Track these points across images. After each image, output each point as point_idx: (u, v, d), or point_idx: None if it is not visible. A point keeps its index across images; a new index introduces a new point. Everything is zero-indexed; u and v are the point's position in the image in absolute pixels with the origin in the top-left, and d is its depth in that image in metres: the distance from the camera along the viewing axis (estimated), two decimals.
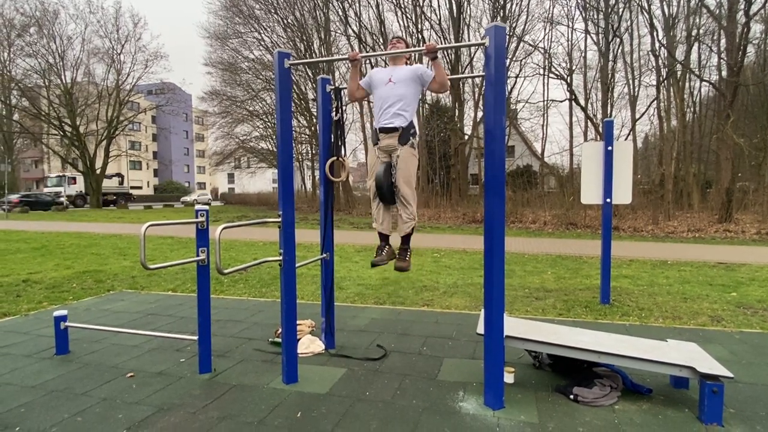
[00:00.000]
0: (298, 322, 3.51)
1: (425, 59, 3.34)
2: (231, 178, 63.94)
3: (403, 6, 24.60)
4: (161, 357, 3.61)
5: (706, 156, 23.77)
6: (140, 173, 61.00)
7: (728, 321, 4.70)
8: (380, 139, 3.26)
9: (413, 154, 3.24)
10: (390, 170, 3.24)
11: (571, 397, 2.84)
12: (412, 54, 3.41)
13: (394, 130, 3.20)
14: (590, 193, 5.40)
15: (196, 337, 3.28)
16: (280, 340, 3.58)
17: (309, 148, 31.05)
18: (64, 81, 33.63)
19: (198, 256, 3.16)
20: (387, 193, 3.25)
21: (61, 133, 34.28)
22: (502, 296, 2.74)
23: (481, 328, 3.02)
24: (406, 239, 3.40)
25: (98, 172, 35.08)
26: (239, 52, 29.89)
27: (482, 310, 2.99)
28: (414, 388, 3.04)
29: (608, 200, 5.26)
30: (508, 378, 3.04)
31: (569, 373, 3.15)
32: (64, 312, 3.71)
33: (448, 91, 25.91)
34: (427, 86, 3.21)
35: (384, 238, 3.45)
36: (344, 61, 3.57)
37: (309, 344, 3.76)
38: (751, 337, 4.11)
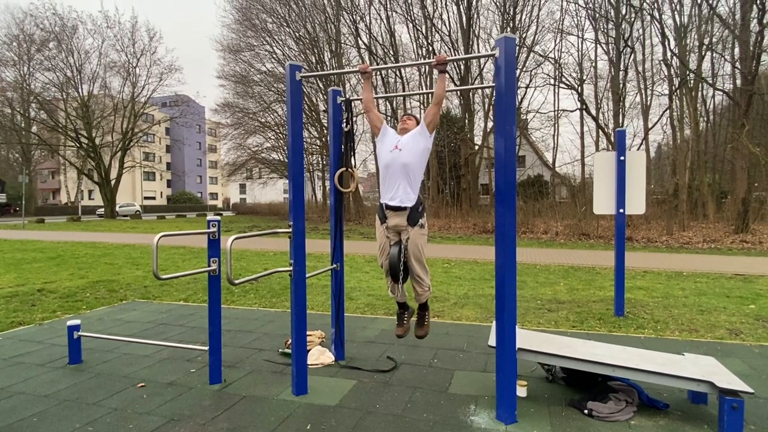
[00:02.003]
0: (308, 332, 3.50)
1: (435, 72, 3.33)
2: (243, 188, 64.50)
3: (413, 18, 24.84)
4: (172, 367, 3.62)
5: (721, 165, 23.41)
6: (154, 184, 61.88)
7: (747, 334, 4.58)
8: (388, 217, 3.19)
9: (422, 233, 3.18)
10: (401, 254, 3.15)
11: (586, 411, 2.78)
12: (421, 67, 3.40)
13: (401, 209, 3.13)
14: (603, 203, 5.34)
15: (206, 348, 3.28)
16: (290, 350, 3.57)
17: (320, 159, 31.24)
18: (81, 94, 34.42)
19: (209, 266, 3.18)
20: (401, 275, 3.19)
21: (78, 144, 35.01)
22: (514, 308, 2.71)
23: (492, 341, 2.98)
24: (423, 306, 3.42)
25: (113, 182, 35.68)
26: (252, 64, 30.34)
27: (494, 321, 2.96)
28: (425, 401, 3.00)
29: (621, 210, 5.19)
30: (521, 392, 2.99)
31: (583, 387, 3.09)
32: (77, 322, 3.75)
33: (454, 104, 26.04)
34: (427, 121, 3.11)
35: (401, 305, 3.46)
36: (355, 73, 3.59)
37: (319, 355, 3.74)
38: None
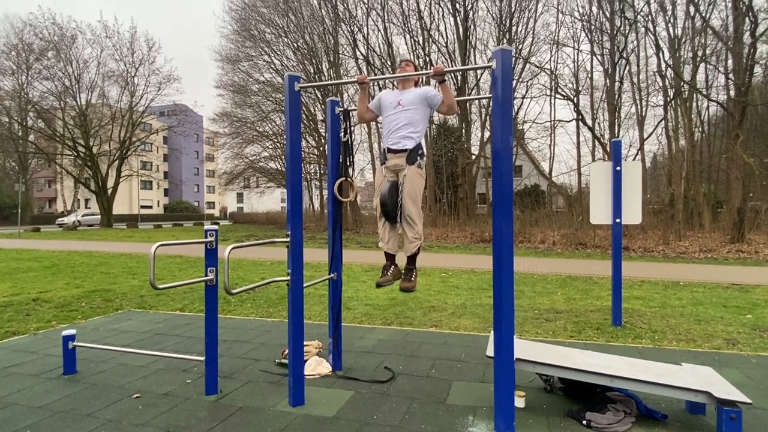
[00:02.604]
0: (305, 342, 3.48)
1: (432, 82, 3.38)
2: (240, 197, 64.45)
3: (410, 29, 25.09)
4: (168, 378, 3.59)
5: (716, 175, 23.59)
6: (151, 193, 61.75)
7: (744, 344, 4.59)
8: (388, 159, 3.30)
9: (420, 173, 3.25)
10: (396, 188, 3.24)
11: (584, 422, 2.77)
12: (420, 77, 3.45)
13: (402, 150, 3.24)
14: (599, 213, 5.37)
15: (202, 358, 3.26)
16: (287, 361, 3.55)
17: (317, 168, 31.31)
18: (79, 103, 34.45)
19: (207, 275, 3.17)
20: (392, 210, 3.24)
21: (75, 153, 34.96)
22: (512, 318, 2.71)
23: (490, 351, 2.98)
24: (411, 259, 3.37)
25: (110, 191, 35.59)
26: (250, 74, 30.51)
27: (491, 331, 2.95)
28: (422, 413, 2.98)
29: (618, 220, 5.22)
30: (519, 402, 2.97)
31: (582, 397, 3.08)
32: (72, 331, 3.72)
33: (457, 113, 26.19)
34: (436, 108, 3.26)
35: (390, 257, 3.43)
36: (353, 84, 3.64)
37: (316, 366, 3.72)
38: None
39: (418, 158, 3.24)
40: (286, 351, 3.85)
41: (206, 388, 3.26)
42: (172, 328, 5.15)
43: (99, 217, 37.27)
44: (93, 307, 6.33)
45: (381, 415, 2.95)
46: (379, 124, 25.28)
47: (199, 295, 6.83)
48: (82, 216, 38.81)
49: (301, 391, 3.12)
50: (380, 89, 26.49)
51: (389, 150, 3.29)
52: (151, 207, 61.73)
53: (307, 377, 3.40)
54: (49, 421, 2.85)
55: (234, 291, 2.83)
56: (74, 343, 3.69)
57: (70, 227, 33.02)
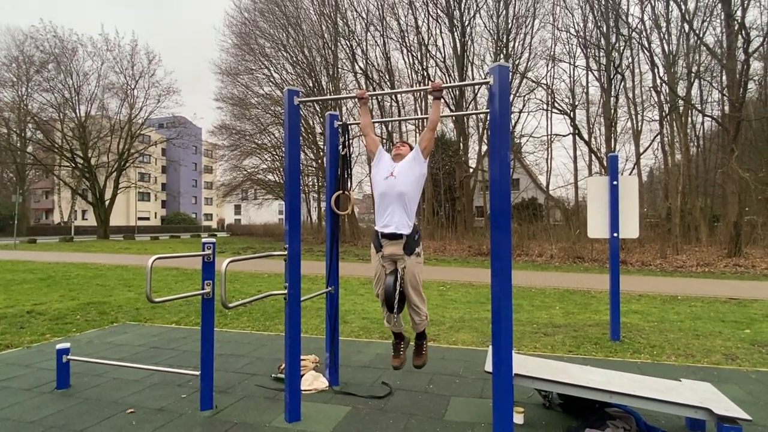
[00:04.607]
0: (302, 357, 3.45)
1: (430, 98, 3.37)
2: (238, 209, 64.31)
3: (408, 45, 25.39)
4: (162, 392, 3.55)
5: (713, 189, 23.73)
6: (148, 204, 61.65)
7: (743, 359, 4.57)
8: (383, 246, 3.13)
9: (419, 262, 3.13)
10: (397, 283, 3.09)
11: None
12: (416, 93, 3.45)
13: (397, 236, 3.06)
14: (597, 227, 5.38)
15: (198, 373, 3.22)
16: (283, 375, 3.51)
17: (315, 180, 31.38)
18: (78, 114, 34.57)
19: (203, 288, 3.15)
20: (398, 305, 3.14)
21: (73, 165, 34.97)
22: (511, 333, 2.69)
23: (489, 366, 2.95)
24: (420, 335, 3.38)
25: (107, 203, 35.53)
26: (249, 87, 30.74)
27: (490, 346, 2.93)
28: (420, 429, 2.95)
29: (615, 234, 5.23)
30: (518, 419, 2.95)
31: (581, 413, 3.05)
32: (66, 345, 3.68)
33: (448, 128, 26.38)
34: (422, 147, 3.10)
35: (398, 335, 3.43)
36: (353, 99, 3.62)
37: (313, 381, 3.68)
38: (767, 377, 3.98)
39: (416, 246, 3.10)
40: (283, 365, 3.81)
41: (201, 403, 3.21)
42: (167, 342, 5.10)
43: None
44: (88, 320, 6.28)
45: (378, 431, 2.91)
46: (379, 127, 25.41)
47: (196, 308, 6.78)
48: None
49: (298, 406, 3.08)
50: (378, 104, 26.69)
51: (383, 235, 3.11)
52: (148, 219, 61.57)
53: (303, 392, 3.36)
54: None
55: (231, 305, 2.81)
56: (68, 357, 3.65)
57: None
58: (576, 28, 23.37)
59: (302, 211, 30.71)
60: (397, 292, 3.09)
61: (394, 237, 3.07)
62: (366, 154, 27.20)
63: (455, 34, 24.20)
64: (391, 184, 3.08)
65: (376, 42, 26.49)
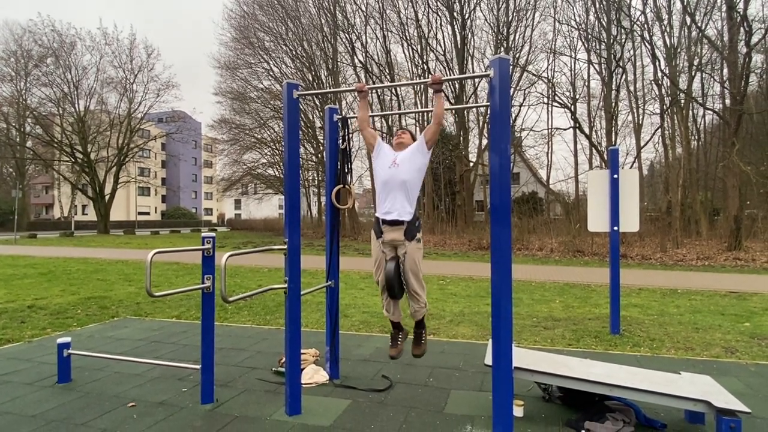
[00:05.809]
0: (302, 351, 3.46)
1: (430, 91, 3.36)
2: (238, 204, 64.34)
3: (408, 38, 25.26)
4: (163, 386, 3.56)
5: (713, 183, 23.70)
6: (148, 199, 61.64)
7: (742, 352, 4.58)
8: (384, 232, 3.14)
9: (419, 248, 3.15)
10: (398, 269, 3.11)
11: None
12: (416, 86, 3.44)
13: (398, 223, 3.08)
14: (597, 220, 5.38)
15: (198, 366, 3.23)
16: (283, 369, 3.52)
17: (315, 175, 31.34)
18: (77, 109, 34.50)
19: (203, 283, 3.15)
20: (398, 291, 3.15)
21: (73, 159, 34.94)
22: (510, 327, 2.69)
23: (489, 359, 2.96)
24: (419, 323, 3.38)
25: (107, 198, 35.52)
26: (249, 81, 30.63)
27: (490, 340, 2.94)
28: (420, 422, 2.96)
29: (615, 228, 5.22)
30: (518, 411, 2.95)
31: (580, 406, 3.06)
32: (67, 339, 3.69)
33: (449, 122, 26.27)
34: (426, 138, 3.13)
35: (396, 325, 3.43)
36: (352, 92, 3.59)
37: (313, 374, 3.69)
38: (766, 370, 3.99)
39: (417, 232, 3.12)
40: (283, 359, 3.82)
41: (202, 396, 3.22)
42: (168, 336, 5.11)
43: None
44: (89, 315, 6.29)
45: (378, 424, 2.92)
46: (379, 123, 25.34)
47: (196, 302, 6.79)
48: None
49: (298, 400, 3.09)
50: (378, 97, 26.53)
51: (384, 222, 3.12)
52: (148, 213, 61.57)
53: (304, 386, 3.37)
54: (42, 431, 2.82)
55: (231, 299, 2.81)
56: (69, 351, 3.66)
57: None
58: (577, 20, 23.24)
59: (302, 205, 30.71)
60: (399, 279, 3.11)
61: (395, 223, 3.10)
62: (366, 148, 27.19)
63: (455, 26, 24.08)
64: (394, 173, 3.11)
65: (375, 35, 26.40)
